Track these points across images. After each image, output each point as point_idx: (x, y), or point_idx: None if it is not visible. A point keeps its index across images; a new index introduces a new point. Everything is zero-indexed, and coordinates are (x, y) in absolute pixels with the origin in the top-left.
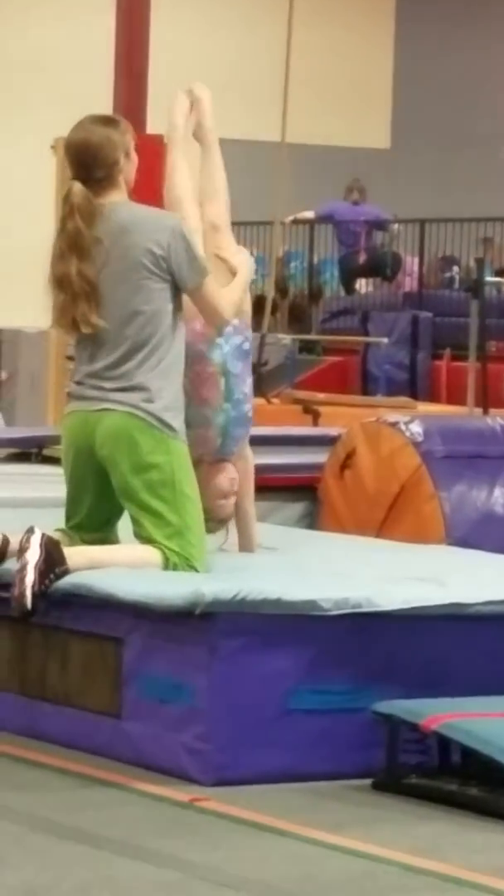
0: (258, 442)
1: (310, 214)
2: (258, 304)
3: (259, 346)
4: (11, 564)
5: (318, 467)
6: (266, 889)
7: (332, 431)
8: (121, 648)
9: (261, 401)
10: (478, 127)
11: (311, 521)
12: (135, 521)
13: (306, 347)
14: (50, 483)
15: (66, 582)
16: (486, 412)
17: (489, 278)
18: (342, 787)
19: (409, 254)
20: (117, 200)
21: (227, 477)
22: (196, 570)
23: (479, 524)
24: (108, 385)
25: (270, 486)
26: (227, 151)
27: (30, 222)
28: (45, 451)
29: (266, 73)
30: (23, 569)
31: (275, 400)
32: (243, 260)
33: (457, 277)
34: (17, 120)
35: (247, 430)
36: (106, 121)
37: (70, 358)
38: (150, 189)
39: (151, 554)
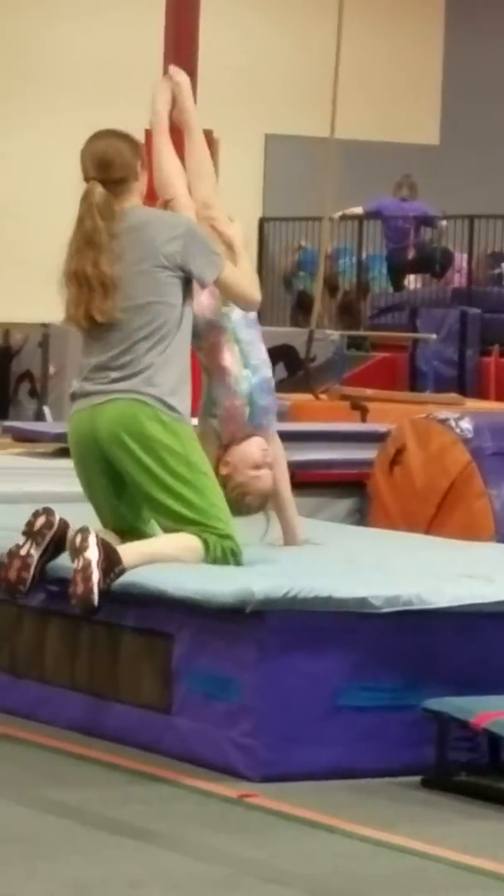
0: (306, 438)
1: (358, 210)
2: (306, 299)
3: (307, 342)
4: (63, 560)
5: (367, 463)
6: (314, 885)
7: (381, 427)
8: (171, 644)
9: (308, 397)
10: None
11: (361, 517)
12: (157, 514)
13: (354, 343)
14: None
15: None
16: None
17: None
18: (391, 784)
19: (457, 250)
20: (134, 204)
21: (258, 447)
22: (231, 541)
23: None
24: (113, 374)
25: (319, 482)
26: (277, 147)
27: (73, 218)
28: None
29: (315, 69)
30: (86, 567)
31: (322, 396)
32: (237, 229)
33: None
34: (67, 120)
35: (273, 402)
36: (121, 133)
37: None
38: None
39: (188, 539)
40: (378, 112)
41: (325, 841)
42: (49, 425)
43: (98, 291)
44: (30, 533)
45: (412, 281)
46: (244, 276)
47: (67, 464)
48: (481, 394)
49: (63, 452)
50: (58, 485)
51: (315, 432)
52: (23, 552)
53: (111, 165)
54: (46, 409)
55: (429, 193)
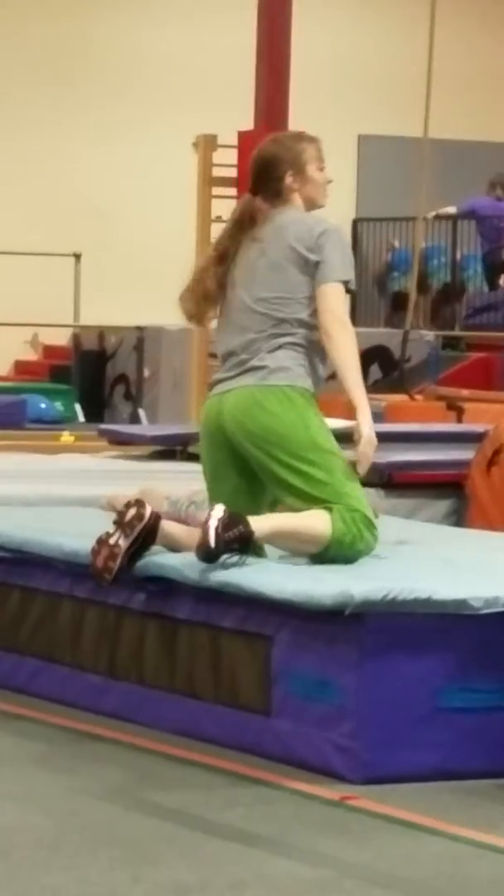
0: (403, 438)
1: (452, 210)
2: (400, 300)
3: (402, 343)
4: (162, 558)
5: (463, 464)
6: (417, 888)
7: (478, 428)
8: (270, 646)
9: (404, 397)
10: None
11: (459, 518)
12: (286, 494)
13: (450, 343)
14: (195, 480)
15: (216, 579)
16: None
17: None
18: (494, 785)
19: None
20: (284, 209)
21: None
22: (360, 514)
23: None
24: (244, 364)
25: (416, 483)
26: (371, 147)
27: (171, 220)
28: (190, 449)
29: (408, 68)
30: (207, 521)
31: (418, 396)
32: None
33: None
34: (159, 118)
35: None
36: (279, 138)
37: (213, 355)
38: None
39: (320, 515)
40: (472, 111)
41: (428, 843)
42: (144, 428)
43: (212, 297)
44: (120, 523)
45: None
46: (347, 337)
47: (163, 466)
48: None
49: (160, 455)
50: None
51: (411, 433)
52: (111, 541)
53: (257, 176)
54: (141, 412)
55: None
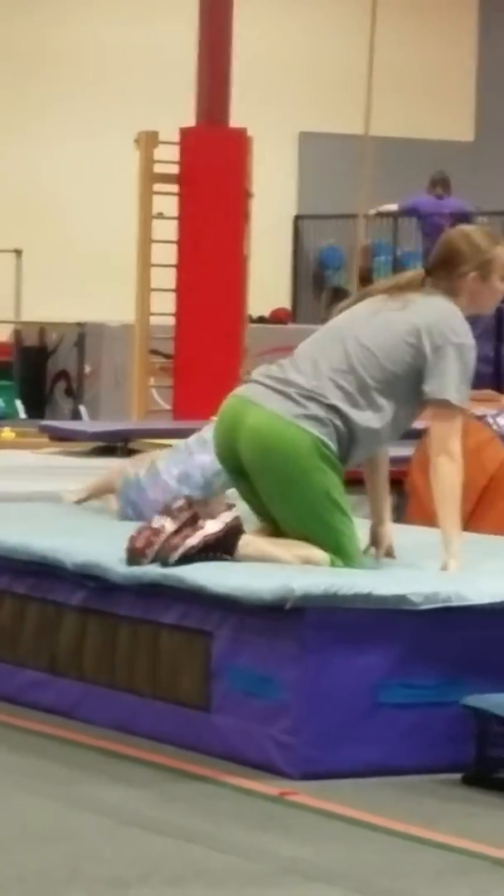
0: None
1: (393, 207)
2: (338, 295)
3: None
4: (102, 558)
5: (403, 461)
6: (357, 883)
7: (419, 424)
8: (210, 642)
9: None
10: None
11: (398, 514)
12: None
13: None
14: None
15: (157, 573)
16: None
17: None
18: (432, 781)
19: None
20: (440, 295)
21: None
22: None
23: None
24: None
25: (357, 479)
26: (312, 145)
27: (113, 217)
28: (130, 445)
29: (349, 66)
30: (193, 528)
31: None
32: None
33: None
34: (101, 115)
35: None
36: (474, 237)
37: (154, 352)
38: (230, 182)
39: (320, 558)
40: (412, 109)
41: (367, 839)
42: (85, 424)
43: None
44: (166, 511)
45: None
46: (454, 468)
47: (104, 462)
48: None
49: (101, 451)
50: None
51: None
52: (155, 525)
53: (436, 260)
54: (82, 408)
55: (464, 190)
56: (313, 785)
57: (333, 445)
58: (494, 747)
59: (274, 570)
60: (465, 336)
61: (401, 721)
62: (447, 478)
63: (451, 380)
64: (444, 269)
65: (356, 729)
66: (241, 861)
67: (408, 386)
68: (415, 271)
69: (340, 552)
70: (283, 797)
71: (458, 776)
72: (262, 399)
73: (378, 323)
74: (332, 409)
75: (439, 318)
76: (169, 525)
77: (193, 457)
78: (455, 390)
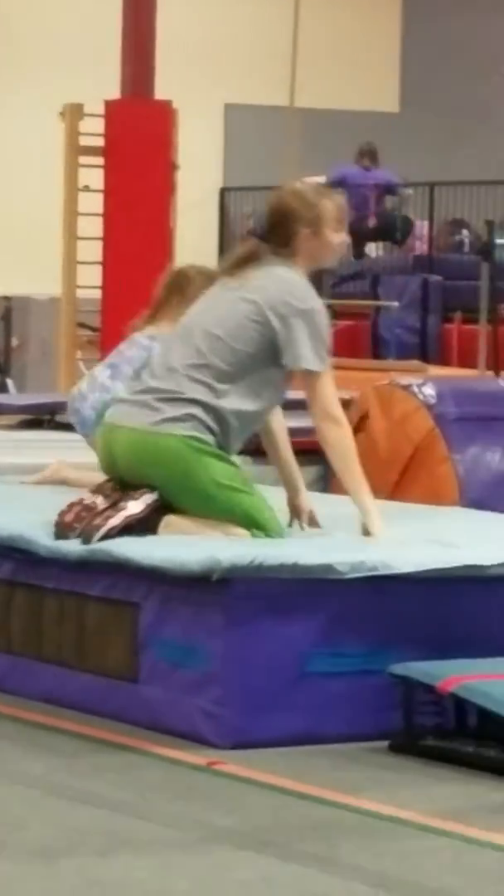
0: None
1: (320, 179)
2: None
3: None
4: (33, 533)
5: None
6: (285, 851)
7: (344, 395)
8: (137, 613)
9: None
10: (487, 89)
11: (325, 484)
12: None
13: None
14: (61, 449)
15: (83, 547)
16: (497, 375)
17: (500, 240)
18: (359, 749)
19: (418, 217)
20: (279, 262)
21: None
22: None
23: (493, 486)
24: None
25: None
26: (237, 117)
27: (38, 190)
28: (58, 418)
29: (275, 38)
30: (115, 508)
31: None
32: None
33: (467, 241)
34: (26, 87)
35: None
36: (301, 192)
37: (81, 325)
38: (156, 155)
39: (241, 533)
40: (338, 80)
41: (295, 807)
42: (12, 397)
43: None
44: (98, 489)
45: (373, 249)
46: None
47: (31, 435)
48: (444, 361)
49: (27, 424)
50: (22, 456)
51: None
52: (86, 501)
53: (267, 224)
54: (10, 382)
55: (389, 161)
56: (241, 754)
57: (205, 436)
58: (421, 715)
59: (200, 542)
60: (310, 300)
61: (328, 690)
62: (338, 443)
63: (304, 349)
64: (277, 232)
65: (283, 698)
66: (169, 830)
67: (266, 360)
68: (250, 241)
69: (255, 526)
70: (210, 767)
71: (385, 744)
72: (124, 419)
73: (221, 308)
74: (193, 403)
75: (279, 289)
76: (101, 502)
77: (123, 353)
78: (312, 357)
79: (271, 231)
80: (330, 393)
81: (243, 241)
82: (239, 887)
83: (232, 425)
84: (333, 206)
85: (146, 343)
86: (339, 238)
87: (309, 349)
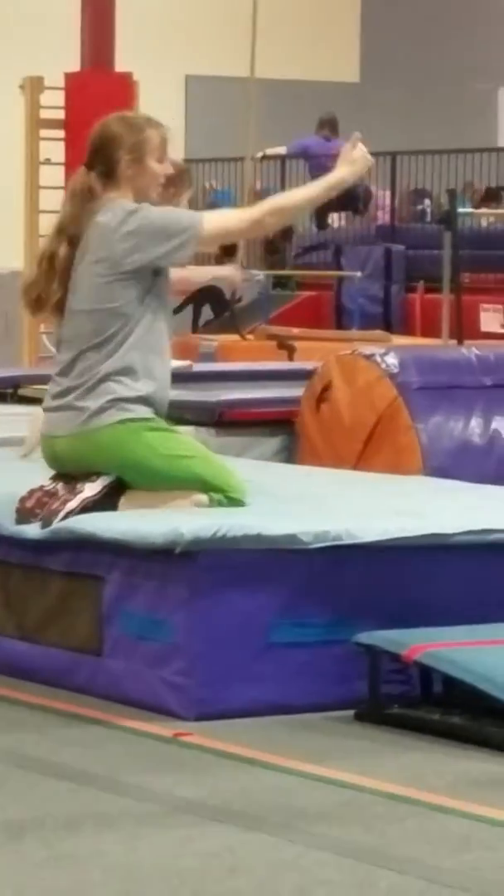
0: (233, 378)
1: (281, 150)
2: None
3: None
4: None
5: (294, 401)
6: (252, 821)
7: (308, 365)
8: (101, 586)
9: (235, 337)
10: (447, 59)
11: (289, 455)
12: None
13: (280, 283)
14: (25, 423)
15: (45, 530)
16: (460, 343)
17: (462, 209)
18: (325, 718)
19: (380, 187)
20: (113, 199)
21: None
22: (231, 498)
23: (456, 454)
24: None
25: (247, 420)
26: (198, 88)
27: None
28: (21, 391)
29: (234, 8)
30: (71, 493)
31: (249, 336)
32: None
33: (429, 210)
34: None
35: None
36: (126, 119)
37: None
38: None
39: (201, 500)
40: (298, 51)
41: (261, 777)
42: None
43: (57, 280)
44: (57, 475)
45: (336, 219)
46: (222, 215)
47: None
48: (407, 330)
49: None
50: None
51: (241, 372)
52: (47, 486)
53: (94, 155)
54: None
55: (350, 131)
56: (207, 726)
57: (134, 410)
58: (386, 684)
59: (163, 515)
60: (134, 210)
61: (293, 660)
62: (276, 206)
63: (165, 246)
64: (100, 160)
65: (249, 669)
66: (136, 803)
67: (137, 306)
68: (79, 173)
69: (211, 489)
70: (177, 738)
71: (351, 713)
72: (56, 430)
73: (72, 285)
74: (103, 384)
75: (104, 233)
76: (61, 488)
77: None
78: (189, 217)
79: (95, 157)
80: (229, 217)
81: (74, 176)
82: (206, 858)
83: (148, 383)
84: (158, 135)
85: None
86: (162, 168)
87: (182, 217)
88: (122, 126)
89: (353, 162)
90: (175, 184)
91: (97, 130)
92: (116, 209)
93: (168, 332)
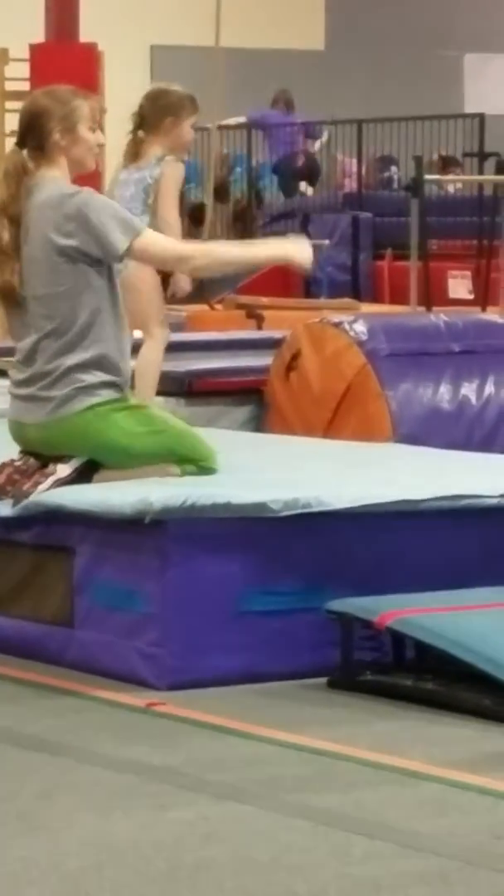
0: (202, 347)
1: (241, 119)
2: (198, 210)
3: None
4: None
5: (263, 370)
6: (227, 790)
7: (277, 334)
8: (72, 558)
9: (204, 307)
10: (411, 25)
11: (258, 424)
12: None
13: None
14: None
15: (15, 508)
16: (428, 310)
17: (428, 176)
18: (298, 686)
19: (346, 155)
20: (49, 176)
21: None
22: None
23: (426, 421)
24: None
25: (216, 390)
26: (163, 58)
27: None
28: None
29: None
30: (43, 475)
31: (218, 306)
32: None
33: (395, 177)
34: None
35: None
36: (53, 91)
37: None
38: None
39: (172, 471)
40: (263, 20)
41: (235, 745)
42: None
43: (7, 265)
44: (25, 451)
45: (304, 188)
46: (167, 241)
47: None
48: (376, 298)
49: None
50: None
51: (210, 341)
52: (18, 463)
53: (25, 131)
54: None
55: (316, 99)
56: (180, 695)
57: (99, 395)
58: (358, 651)
59: (133, 485)
60: (79, 193)
61: (265, 628)
62: (203, 253)
63: (112, 234)
64: (32, 135)
65: (220, 638)
66: (110, 773)
67: (86, 289)
68: (12, 152)
69: (184, 461)
70: (149, 708)
71: (324, 681)
72: (24, 416)
73: (20, 268)
74: (67, 376)
75: (43, 215)
76: (32, 464)
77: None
78: (120, 237)
79: (27, 134)
80: (161, 246)
81: (7, 156)
82: (180, 827)
83: (111, 365)
84: (87, 105)
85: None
86: (95, 137)
87: (114, 229)
88: (50, 99)
89: (303, 249)
90: (172, 112)
91: (25, 107)
92: (52, 189)
93: (122, 309)
